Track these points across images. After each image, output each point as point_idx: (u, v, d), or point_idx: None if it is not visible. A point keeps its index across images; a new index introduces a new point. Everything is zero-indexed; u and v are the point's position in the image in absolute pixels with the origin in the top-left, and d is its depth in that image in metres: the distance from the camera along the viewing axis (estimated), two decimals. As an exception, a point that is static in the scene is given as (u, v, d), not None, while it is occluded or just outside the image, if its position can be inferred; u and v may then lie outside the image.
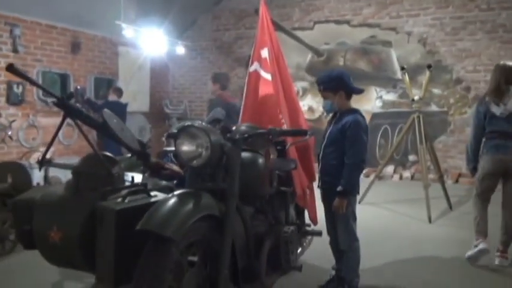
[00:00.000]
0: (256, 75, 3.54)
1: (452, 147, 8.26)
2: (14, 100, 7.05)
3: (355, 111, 2.95)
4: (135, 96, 9.50)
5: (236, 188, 2.20)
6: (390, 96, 8.78)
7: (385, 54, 8.78)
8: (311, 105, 9.27)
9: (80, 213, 2.19)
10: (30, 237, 2.36)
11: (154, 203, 2.28)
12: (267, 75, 3.51)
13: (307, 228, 3.35)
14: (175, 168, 2.94)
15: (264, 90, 3.48)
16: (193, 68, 10.42)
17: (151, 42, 8.04)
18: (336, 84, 2.94)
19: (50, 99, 7.53)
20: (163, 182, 2.76)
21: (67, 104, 2.27)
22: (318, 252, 3.47)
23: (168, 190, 2.60)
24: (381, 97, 8.85)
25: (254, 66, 3.57)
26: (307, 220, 3.54)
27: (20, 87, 7.11)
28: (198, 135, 2.13)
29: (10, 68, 2.15)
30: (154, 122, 9.91)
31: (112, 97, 7.71)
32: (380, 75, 8.83)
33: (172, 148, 3.76)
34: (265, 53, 3.56)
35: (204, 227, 2.06)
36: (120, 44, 9.01)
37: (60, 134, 7.90)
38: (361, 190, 5.73)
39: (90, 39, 8.47)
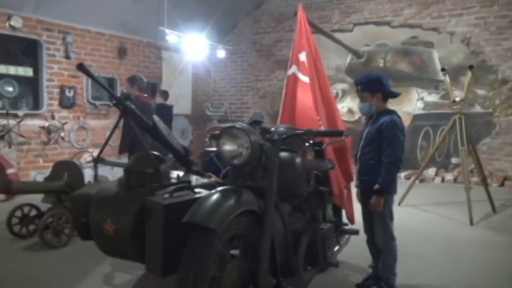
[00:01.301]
0: (295, 78, 3.66)
1: (497, 150, 8.03)
2: (66, 103, 7.49)
3: (392, 112, 3.00)
4: (178, 99, 9.81)
5: (274, 185, 2.32)
6: (432, 98, 8.64)
7: (427, 55, 8.65)
8: (350, 107, 9.26)
9: (131, 208, 2.38)
10: (86, 229, 2.59)
11: (198, 198, 2.46)
12: (305, 78, 3.62)
13: (345, 227, 3.43)
14: (215, 178, 3.11)
15: (302, 92, 3.59)
16: (234, 71, 10.65)
17: (193, 47, 8.30)
18: (375, 86, 3.00)
19: (98, 103, 7.97)
20: (206, 180, 2.93)
21: (124, 104, 2.47)
22: (355, 251, 3.54)
23: (210, 187, 2.76)
24: (422, 98, 8.72)
25: (292, 70, 3.69)
26: (344, 219, 3.63)
27: (72, 91, 7.55)
28: (239, 135, 2.27)
29: (80, 66, 2.39)
30: (196, 124, 10.20)
31: (159, 100, 8.03)
32: (422, 77, 8.71)
33: (214, 148, 3.95)
34: (303, 56, 3.67)
35: (245, 222, 2.20)
36: (163, 48, 9.36)
37: (107, 135, 8.32)
38: (402, 191, 5.76)
39: (135, 44, 8.86)
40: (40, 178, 6.88)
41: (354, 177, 3.47)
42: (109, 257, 2.65)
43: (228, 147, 2.30)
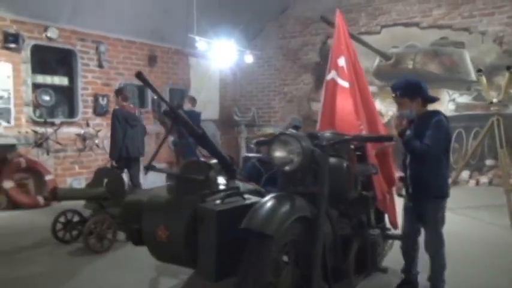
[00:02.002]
0: (334, 84, 3.66)
1: (534, 151, 7.83)
2: (99, 111, 7.67)
3: (438, 113, 2.94)
4: (206, 105, 9.91)
5: (326, 191, 2.34)
6: (464, 99, 8.49)
7: (458, 55, 8.51)
8: (379, 109, 9.16)
9: (184, 214, 2.43)
10: (139, 235, 2.65)
11: (248, 204, 2.49)
12: (344, 83, 3.61)
13: (388, 232, 3.41)
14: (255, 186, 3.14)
15: (342, 97, 3.59)
16: (261, 76, 10.69)
17: (222, 52, 8.38)
18: (414, 91, 2.94)
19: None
20: (251, 186, 2.97)
21: (177, 112, 2.53)
22: (399, 256, 3.50)
23: (257, 193, 2.80)
24: (453, 100, 8.58)
25: (331, 75, 3.69)
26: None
27: (105, 99, 7.72)
28: (291, 142, 2.29)
29: (139, 75, 2.47)
30: (223, 129, 10.28)
31: (187, 106, 8.14)
32: (453, 77, 8.57)
33: (255, 154, 3.99)
34: (342, 61, 3.67)
35: (298, 228, 2.22)
36: (191, 55, 9.49)
37: (146, 142, 8.48)
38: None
39: (164, 52, 9.01)
40: (76, 184, 7.07)
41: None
42: (160, 262, 2.70)
43: (280, 153, 2.33)
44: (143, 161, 6.18)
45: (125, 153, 5.82)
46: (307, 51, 10.14)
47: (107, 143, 7.79)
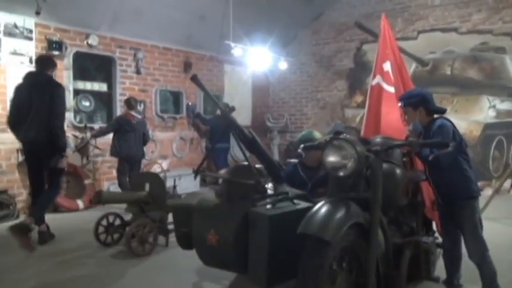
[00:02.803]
0: (379, 89, 3.61)
1: None
2: (136, 116, 7.78)
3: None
4: (238, 111, 9.89)
5: (380, 197, 2.29)
6: (505, 106, 8.22)
7: (499, 61, 8.26)
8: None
9: (234, 218, 2.42)
10: (187, 239, 2.66)
11: (299, 209, 2.47)
12: (390, 88, 3.56)
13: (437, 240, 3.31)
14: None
15: (388, 103, 3.54)
16: (293, 82, 10.67)
17: (257, 59, 8.41)
18: (416, 101, 3.03)
19: (166, 115, 8.23)
20: (297, 191, 2.93)
21: (229, 116, 2.53)
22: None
23: (303, 198, 2.77)
24: (494, 106, 8.32)
25: (376, 80, 3.64)
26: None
27: (142, 105, 7.85)
28: (345, 147, 2.26)
29: (193, 78, 2.50)
30: (256, 135, 10.26)
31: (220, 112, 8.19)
32: (493, 84, 8.32)
33: (295, 160, 3.96)
34: (387, 66, 3.62)
35: (352, 234, 2.18)
36: (225, 62, 9.56)
37: (174, 147, 8.57)
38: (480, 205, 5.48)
39: (199, 59, 9.11)
40: (113, 189, 7.18)
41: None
42: (209, 267, 2.70)
43: (333, 158, 2.30)
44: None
45: (116, 152, 6.46)
46: (341, 58, 10.06)
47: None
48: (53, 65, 4.83)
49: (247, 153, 2.64)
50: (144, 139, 6.68)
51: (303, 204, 2.53)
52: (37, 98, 4.43)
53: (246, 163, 2.72)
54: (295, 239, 2.28)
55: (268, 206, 2.42)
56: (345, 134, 2.38)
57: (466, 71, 8.58)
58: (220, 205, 2.54)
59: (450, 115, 8.42)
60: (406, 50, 8.81)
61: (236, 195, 2.53)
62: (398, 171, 2.53)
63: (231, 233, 2.40)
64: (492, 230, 5.16)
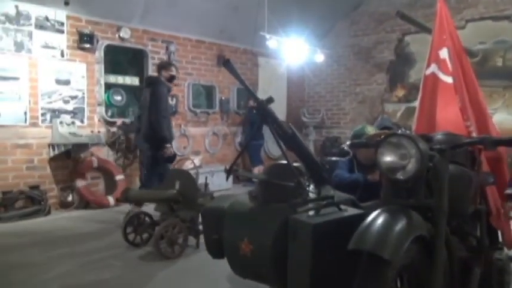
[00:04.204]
0: (434, 78, 3.18)
1: None
2: (169, 111, 7.58)
3: None
4: (273, 106, 9.60)
5: (446, 205, 1.92)
6: None
7: (556, 51, 7.59)
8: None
9: (271, 226, 2.10)
10: (218, 247, 2.36)
11: (347, 217, 2.12)
12: (447, 78, 3.13)
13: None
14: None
15: (444, 94, 3.10)
16: (330, 76, 10.24)
17: (293, 51, 8.04)
18: None
19: (198, 110, 8.00)
20: (343, 194, 2.58)
21: (266, 108, 2.22)
22: None
23: (350, 203, 2.42)
24: (550, 101, 7.65)
25: (431, 69, 3.21)
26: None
27: (174, 100, 7.64)
28: (405, 145, 1.89)
29: (226, 63, 2.22)
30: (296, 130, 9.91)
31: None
32: (549, 76, 7.66)
33: (338, 158, 3.60)
34: (444, 53, 3.19)
35: (414, 250, 1.81)
36: (259, 55, 9.24)
37: (206, 142, 8.33)
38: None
39: (233, 51, 8.83)
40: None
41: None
42: (243, 278, 2.39)
43: (390, 158, 1.93)
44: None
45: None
46: (382, 50, 9.55)
47: (175, 144, 7.72)
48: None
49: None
50: None
51: (351, 211, 2.17)
52: None
53: (284, 161, 2.40)
54: (343, 253, 1.95)
55: (311, 213, 2.08)
56: (404, 130, 2.01)
57: (519, 62, 7.93)
58: (256, 210, 2.22)
59: (501, 110, 7.91)
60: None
61: (274, 198, 2.19)
62: (467, 173, 2.14)
63: (267, 243, 2.08)
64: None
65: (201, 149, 8.30)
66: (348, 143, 2.71)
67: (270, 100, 2.21)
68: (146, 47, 7.25)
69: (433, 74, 3.20)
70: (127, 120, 6.96)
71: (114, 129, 6.77)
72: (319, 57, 8.96)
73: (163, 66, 5.65)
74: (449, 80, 3.14)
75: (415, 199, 1.99)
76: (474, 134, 2.89)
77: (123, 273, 3.64)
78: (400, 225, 1.74)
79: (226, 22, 8.08)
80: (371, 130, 3.24)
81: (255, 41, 8.59)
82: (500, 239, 3.02)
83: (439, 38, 3.25)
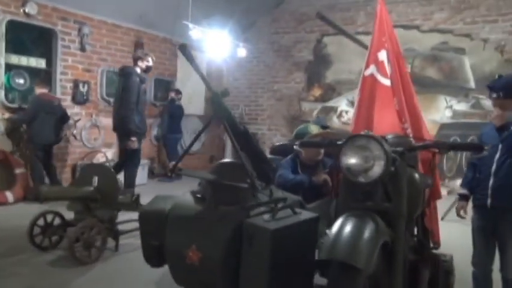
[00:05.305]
0: (373, 80, 3.21)
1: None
2: (79, 99, 6.97)
3: None
4: (191, 99, 9.34)
5: (405, 209, 1.88)
6: (461, 106, 8.26)
7: (457, 61, 8.28)
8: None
9: (224, 231, 1.92)
10: (159, 255, 2.11)
11: (305, 221, 2.01)
12: (385, 81, 3.18)
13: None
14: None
15: (382, 96, 3.15)
16: (250, 71, 10.17)
17: (215, 44, 7.82)
18: None
19: (112, 99, 7.42)
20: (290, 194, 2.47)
21: (221, 101, 2.01)
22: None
23: (299, 204, 2.32)
24: (451, 107, 8.34)
25: (370, 70, 3.24)
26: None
27: (86, 87, 7.03)
28: (370, 146, 1.82)
29: (182, 48, 2.04)
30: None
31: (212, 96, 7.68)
32: (451, 84, 8.34)
33: (275, 157, 3.50)
34: (383, 55, 3.24)
35: (379, 256, 1.75)
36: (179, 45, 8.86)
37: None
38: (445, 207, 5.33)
39: (151, 39, 8.36)
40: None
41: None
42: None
43: (355, 160, 1.85)
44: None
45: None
46: (301, 49, 9.71)
47: (85, 135, 7.12)
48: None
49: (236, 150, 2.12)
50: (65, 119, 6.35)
51: (306, 214, 2.06)
52: None
53: (230, 160, 2.21)
54: (300, 259, 1.84)
55: (266, 217, 1.93)
56: (368, 132, 1.94)
57: (425, 70, 8.55)
58: (204, 213, 2.01)
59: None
60: (366, 45, 8.61)
61: (224, 201, 2.01)
62: (418, 176, 2.14)
63: (219, 250, 1.89)
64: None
65: (113, 142, 7.71)
66: (297, 142, 2.60)
67: (225, 93, 2.03)
68: (56, 26, 6.54)
69: (372, 76, 3.23)
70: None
71: (15, 116, 6.01)
72: (242, 52, 8.86)
73: (139, 57, 5.62)
74: (387, 82, 3.19)
75: (373, 203, 1.93)
76: (411, 136, 2.96)
77: (31, 283, 3.17)
78: (368, 232, 1.66)
79: (147, 7, 7.61)
80: (314, 129, 3.19)
81: (176, 30, 8.23)
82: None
83: (379, 40, 3.30)
